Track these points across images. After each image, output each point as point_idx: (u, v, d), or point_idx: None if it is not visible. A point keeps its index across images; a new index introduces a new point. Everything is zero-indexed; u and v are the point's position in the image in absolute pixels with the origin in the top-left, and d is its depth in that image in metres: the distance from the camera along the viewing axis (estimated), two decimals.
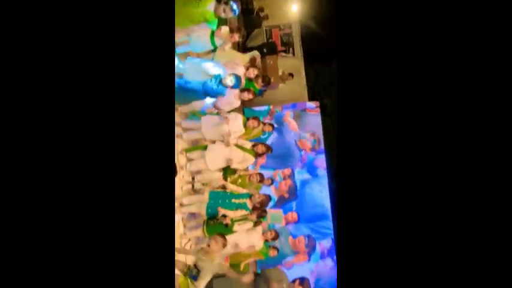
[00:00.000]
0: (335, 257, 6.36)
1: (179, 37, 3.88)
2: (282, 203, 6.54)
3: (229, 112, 4.32)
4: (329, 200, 6.53)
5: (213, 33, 4.02)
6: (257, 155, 4.44)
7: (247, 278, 3.06)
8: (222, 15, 3.81)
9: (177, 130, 4.34)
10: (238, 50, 5.55)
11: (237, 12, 3.87)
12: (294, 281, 2.58)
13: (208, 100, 4.30)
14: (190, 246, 4.20)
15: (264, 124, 4.81)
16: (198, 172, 4.46)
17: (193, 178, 4.55)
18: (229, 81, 3.98)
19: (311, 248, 6.47)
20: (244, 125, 4.29)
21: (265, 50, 6.51)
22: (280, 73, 6.43)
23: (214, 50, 4.27)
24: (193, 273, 2.80)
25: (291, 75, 6.59)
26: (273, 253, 4.67)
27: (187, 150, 4.42)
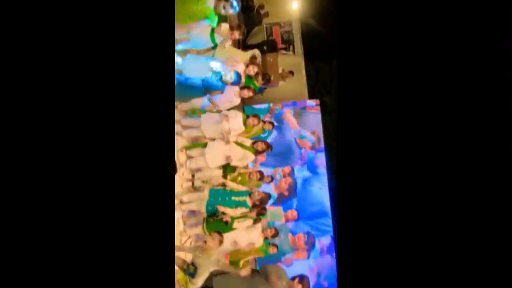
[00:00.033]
0: (334, 254, 6.38)
1: (179, 34, 3.87)
2: (281, 200, 6.55)
3: (229, 110, 4.32)
4: (328, 197, 6.55)
5: (213, 30, 4.01)
6: (257, 153, 4.44)
7: (244, 272, 3.08)
8: (222, 12, 3.80)
9: (177, 128, 4.34)
10: (238, 48, 5.53)
11: (237, 9, 3.86)
12: (293, 279, 2.58)
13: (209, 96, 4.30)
14: (190, 243, 4.21)
15: (264, 122, 4.81)
16: (198, 170, 4.47)
17: (193, 176, 4.55)
18: (229, 77, 3.97)
19: (310, 245, 6.49)
20: (244, 123, 4.29)
21: (265, 48, 6.49)
22: (280, 71, 6.41)
23: (214, 47, 4.26)
24: (190, 270, 2.81)
25: (291, 73, 6.57)
26: (272, 250, 4.68)
27: (187, 148, 4.42)
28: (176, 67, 3.88)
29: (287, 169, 6.65)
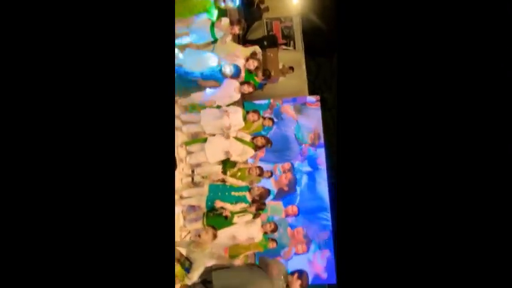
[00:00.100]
0: (333, 248, 6.42)
1: (179, 28, 3.86)
2: (281, 195, 6.57)
3: (229, 105, 4.31)
4: (327, 192, 6.57)
5: (213, 25, 3.99)
6: (257, 148, 4.45)
7: (238, 261, 3.11)
8: (222, 5, 3.78)
9: (177, 123, 4.34)
10: (239, 43, 5.51)
11: (237, 3, 3.85)
12: (292, 273, 2.59)
13: (208, 91, 4.29)
14: (190, 238, 4.23)
15: (264, 118, 4.80)
16: (198, 165, 4.47)
17: (193, 171, 4.56)
18: (229, 70, 3.96)
19: (309, 239, 6.53)
20: (244, 119, 4.29)
21: (265, 43, 6.46)
22: (280, 66, 6.39)
23: (214, 42, 4.25)
24: (185, 265, 2.82)
25: (292, 68, 6.55)
26: (272, 245, 4.70)
27: (187, 143, 4.42)
28: (176, 61, 3.87)
29: (287, 165, 6.66)
